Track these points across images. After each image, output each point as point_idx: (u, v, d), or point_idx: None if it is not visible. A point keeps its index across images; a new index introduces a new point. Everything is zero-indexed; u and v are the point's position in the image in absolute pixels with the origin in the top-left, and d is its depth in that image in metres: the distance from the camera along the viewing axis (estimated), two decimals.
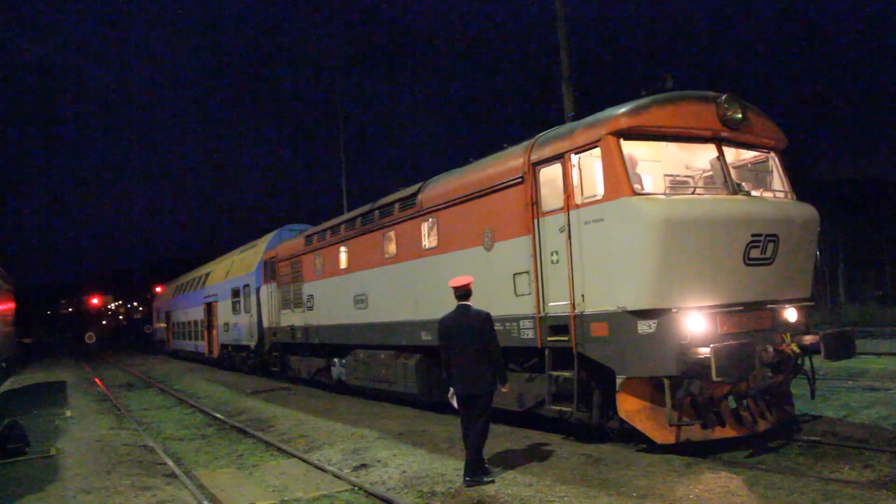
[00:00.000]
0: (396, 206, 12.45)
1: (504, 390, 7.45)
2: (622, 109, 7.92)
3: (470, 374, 7.08)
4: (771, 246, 7.86)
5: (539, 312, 8.69)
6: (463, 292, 7.35)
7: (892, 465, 6.95)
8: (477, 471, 7.04)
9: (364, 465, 8.25)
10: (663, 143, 8.32)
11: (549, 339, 8.54)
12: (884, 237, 44.97)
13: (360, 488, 7.20)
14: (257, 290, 21.66)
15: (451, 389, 7.25)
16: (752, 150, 8.81)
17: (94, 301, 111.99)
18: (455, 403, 7.27)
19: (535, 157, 8.85)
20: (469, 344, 7.11)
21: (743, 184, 8.28)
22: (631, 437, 8.23)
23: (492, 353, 7.15)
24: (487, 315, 7.26)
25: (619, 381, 7.75)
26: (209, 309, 28.65)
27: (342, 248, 14.70)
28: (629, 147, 7.80)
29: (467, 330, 7.15)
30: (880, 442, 7.88)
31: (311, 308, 16.44)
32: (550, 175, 8.63)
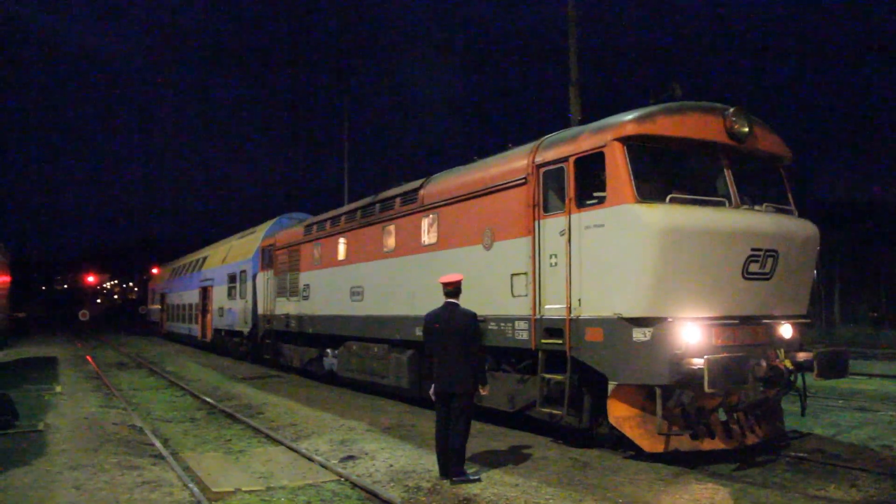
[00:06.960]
0: (398, 200, 12.44)
1: (483, 393, 7.42)
2: (629, 116, 7.91)
3: (451, 373, 7.04)
4: (770, 261, 7.87)
5: (535, 314, 8.68)
6: (452, 290, 7.31)
7: (878, 486, 6.96)
8: (461, 469, 7.03)
9: (351, 457, 8.25)
10: (668, 153, 8.31)
11: (544, 341, 8.54)
12: (881, 260, 44.95)
13: (347, 480, 7.19)
14: (254, 277, 21.66)
15: (433, 386, 7.25)
16: (757, 163, 8.80)
17: (90, 279, 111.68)
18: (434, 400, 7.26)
19: (539, 159, 8.85)
20: (453, 342, 7.07)
21: (746, 197, 8.28)
22: (619, 443, 8.24)
23: (474, 353, 7.11)
24: (473, 315, 7.24)
25: (610, 387, 7.76)
26: (205, 293, 28.62)
27: (341, 240, 14.69)
28: (634, 154, 7.79)
29: (452, 328, 7.12)
30: (867, 462, 7.90)
31: (306, 297, 16.44)
32: (553, 178, 8.62)
